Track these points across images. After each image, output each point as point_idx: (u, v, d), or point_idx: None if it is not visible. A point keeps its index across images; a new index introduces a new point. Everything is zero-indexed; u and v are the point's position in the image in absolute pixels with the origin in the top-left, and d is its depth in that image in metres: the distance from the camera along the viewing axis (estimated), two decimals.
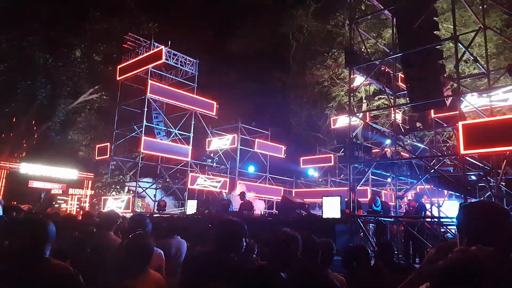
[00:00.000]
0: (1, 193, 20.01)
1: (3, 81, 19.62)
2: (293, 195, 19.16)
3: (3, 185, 20.34)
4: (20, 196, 21.49)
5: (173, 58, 17.66)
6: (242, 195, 11.52)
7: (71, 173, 22.55)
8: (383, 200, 10.99)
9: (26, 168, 20.87)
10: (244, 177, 20.02)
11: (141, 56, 17.47)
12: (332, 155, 21.10)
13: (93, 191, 23.54)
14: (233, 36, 26.48)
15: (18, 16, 19.16)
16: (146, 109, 16.31)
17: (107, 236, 4.31)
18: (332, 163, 20.97)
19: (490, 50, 13.53)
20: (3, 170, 20.30)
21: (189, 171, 17.06)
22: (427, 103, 9.58)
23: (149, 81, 16.34)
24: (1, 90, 19.89)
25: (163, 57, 16.19)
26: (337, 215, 8.47)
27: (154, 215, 12.17)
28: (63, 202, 23.69)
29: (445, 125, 13.27)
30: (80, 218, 7.13)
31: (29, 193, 21.71)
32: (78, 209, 23.13)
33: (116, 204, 16.70)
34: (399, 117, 14.31)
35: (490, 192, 8.86)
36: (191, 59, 18.58)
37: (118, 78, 18.05)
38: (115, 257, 3.14)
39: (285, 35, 24.87)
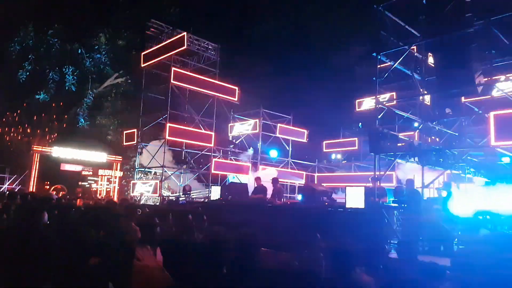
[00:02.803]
0: (36, 176, 20.99)
1: (33, 70, 20.26)
2: (316, 180, 19.18)
3: (37, 168, 21.25)
4: (53, 178, 22.60)
5: (195, 44, 17.65)
6: (258, 179, 11.78)
7: (101, 156, 23.35)
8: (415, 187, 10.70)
9: (57, 151, 21.73)
10: (266, 161, 20.11)
11: (164, 43, 17.55)
12: (356, 139, 20.76)
13: (122, 173, 24.36)
14: (254, 18, 26.09)
15: (42, 6, 19.55)
16: (170, 96, 16.51)
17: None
18: (356, 147, 20.66)
19: None
20: (36, 154, 21.19)
21: (212, 156, 17.30)
22: (458, 90, 9.21)
23: (173, 68, 16.45)
24: (32, 79, 20.59)
25: (186, 43, 16.19)
26: (361, 205, 8.43)
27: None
28: (93, 182, 24.74)
29: (476, 109, 12.74)
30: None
31: (61, 175, 22.77)
32: (108, 189, 24.13)
33: (144, 188, 17.28)
34: (427, 100, 13.85)
35: None
36: (213, 44, 18.51)
37: (142, 65, 18.28)
38: None
39: (307, 15, 24.28)
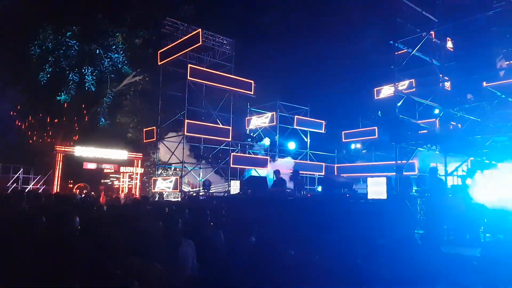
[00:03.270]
0: (60, 175, 21.62)
1: (53, 71, 20.73)
2: (335, 170, 19.10)
3: (61, 167, 21.86)
4: (76, 176, 23.24)
5: (210, 40, 17.73)
6: (277, 172, 11.82)
7: (121, 153, 23.84)
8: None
9: (80, 151, 22.29)
10: (285, 154, 20.14)
11: (179, 40, 17.70)
12: (375, 128, 20.49)
13: (143, 169, 24.84)
14: (268, 11, 25.92)
15: (58, 7, 19.94)
16: (187, 92, 16.69)
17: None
18: (376, 136, 20.40)
19: None
20: (59, 154, 21.79)
21: (230, 151, 17.45)
22: (478, 75, 8.99)
23: (189, 65, 16.61)
24: (52, 80, 21.08)
25: (201, 39, 16.28)
26: (383, 196, 8.39)
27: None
28: (115, 179, 25.32)
29: (499, 94, 12.41)
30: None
31: (84, 174, 23.38)
32: (129, 186, 24.69)
33: (165, 184, 17.59)
34: (447, 86, 13.53)
35: None
36: (228, 39, 18.54)
37: (159, 63, 18.51)
38: None
39: (324, 4, 23.97)
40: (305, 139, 20.48)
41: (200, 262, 3.76)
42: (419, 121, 12.86)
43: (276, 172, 11.88)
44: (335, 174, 18.44)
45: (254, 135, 19.04)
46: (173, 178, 17.40)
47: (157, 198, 16.86)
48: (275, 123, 19.22)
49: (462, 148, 11.30)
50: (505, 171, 12.52)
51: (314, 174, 19.62)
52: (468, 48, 8.92)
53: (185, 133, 16.29)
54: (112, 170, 25.13)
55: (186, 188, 19.37)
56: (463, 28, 9.07)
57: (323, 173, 19.26)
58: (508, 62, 9.17)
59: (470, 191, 9.12)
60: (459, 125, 13.84)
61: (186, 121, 16.37)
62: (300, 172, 12.28)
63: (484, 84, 12.22)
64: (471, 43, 8.99)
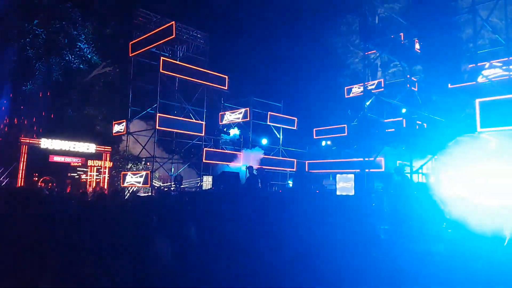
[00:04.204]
0: (24, 168, 20.75)
1: (19, 60, 19.84)
2: (306, 166, 19.38)
3: (25, 160, 20.97)
4: (41, 169, 22.36)
5: (183, 33, 17.49)
6: (251, 168, 11.86)
7: (89, 147, 23.13)
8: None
9: (46, 143, 21.44)
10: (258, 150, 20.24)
11: (152, 32, 17.34)
12: (345, 126, 20.97)
13: (111, 163, 24.23)
14: (243, 5, 25.82)
15: None
16: (160, 85, 16.41)
17: None
18: (346, 133, 20.89)
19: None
20: (24, 146, 20.90)
21: (203, 146, 17.35)
22: (444, 77, 9.39)
23: (162, 58, 16.32)
24: (19, 69, 20.18)
25: (174, 32, 16.03)
26: (351, 192, 8.64)
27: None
28: (83, 173, 24.55)
29: (462, 95, 13.00)
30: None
31: (51, 167, 22.52)
32: (97, 180, 24.03)
33: (135, 179, 17.27)
34: (414, 86, 14.03)
35: None
36: (202, 33, 18.36)
37: (130, 54, 18.07)
38: None
39: (297, 1, 24.13)
40: (278, 135, 20.68)
41: (174, 257, 3.74)
42: (387, 120, 13.30)
43: (250, 168, 11.91)
44: (306, 170, 18.73)
45: (227, 131, 18.98)
46: (144, 173, 17.11)
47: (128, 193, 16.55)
48: (248, 119, 19.29)
49: (427, 147, 11.78)
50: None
51: (286, 170, 19.85)
52: (435, 50, 9.29)
53: (157, 127, 16.04)
54: (80, 164, 24.35)
55: (157, 183, 19.09)
56: (430, 32, 9.42)
57: (294, 169, 19.55)
58: (471, 65, 9.62)
59: (434, 188, 9.53)
60: (425, 124, 14.40)
61: (158, 114, 16.11)
62: (264, 168, 12.34)
63: (449, 85, 12.79)
64: (437, 46, 9.36)
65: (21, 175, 20.42)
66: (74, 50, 20.65)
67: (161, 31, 16.67)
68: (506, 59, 10.27)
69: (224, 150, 18.76)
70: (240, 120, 19.72)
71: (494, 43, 14.22)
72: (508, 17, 10.03)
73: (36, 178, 22.69)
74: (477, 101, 7.79)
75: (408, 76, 11.05)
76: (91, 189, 20.01)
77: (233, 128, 19.32)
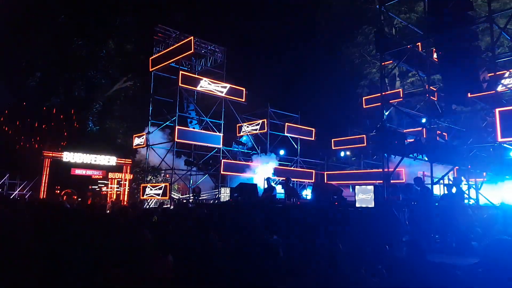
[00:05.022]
0: (47, 181, 21.36)
1: (42, 75, 20.65)
2: (325, 177, 19.28)
3: (47, 173, 21.59)
4: (63, 182, 22.93)
5: (202, 47, 17.89)
6: (268, 179, 11.93)
7: (110, 159, 23.68)
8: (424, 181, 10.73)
9: (68, 156, 22.06)
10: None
11: (171, 47, 17.80)
12: (364, 136, 20.78)
13: (131, 175, 24.66)
14: (259, 19, 26.23)
15: (49, 13, 19.88)
16: (178, 99, 16.75)
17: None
18: (365, 144, 20.69)
19: None
20: (46, 159, 21.53)
21: (221, 158, 17.51)
22: (463, 87, 9.27)
23: (181, 72, 16.70)
24: (42, 85, 20.99)
25: (193, 47, 16.41)
26: (371, 204, 8.54)
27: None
28: (103, 186, 25.07)
29: (483, 104, 12.75)
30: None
31: (72, 180, 23.10)
32: (118, 192, 24.46)
33: (154, 191, 17.52)
34: (434, 96, 13.85)
35: None
36: (219, 47, 18.73)
37: (150, 69, 18.56)
38: None
39: (313, 14, 24.34)
40: (295, 146, 20.68)
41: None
42: (406, 130, 13.15)
43: (267, 180, 11.99)
44: (325, 181, 18.62)
45: (244, 142, 19.13)
46: (162, 185, 17.36)
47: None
48: (265, 130, 19.38)
49: (448, 157, 11.58)
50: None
51: (304, 181, 19.78)
52: (452, 60, 9.20)
53: (176, 140, 16.32)
54: (101, 176, 24.90)
55: (176, 195, 19.32)
56: (447, 41, 9.35)
57: (313, 180, 19.45)
58: (490, 74, 9.48)
59: (456, 199, 9.32)
60: (445, 134, 14.17)
61: (177, 127, 16.41)
62: (292, 179, 12.38)
63: (469, 95, 12.57)
64: (455, 56, 9.27)
65: (44, 188, 21.03)
66: (97, 66, 21.35)
67: (180, 46, 17.10)
68: None
69: (241, 161, 18.86)
70: (257, 131, 19.84)
71: None
72: None
73: (58, 191, 23.32)
74: (497, 110, 7.65)
75: (426, 86, 10.95)
76: (110, 202, 20.41)
77: (254, 145, 19.44)
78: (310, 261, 3.34)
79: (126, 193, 24.35)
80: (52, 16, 19.95)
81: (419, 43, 12.09)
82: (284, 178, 11.88)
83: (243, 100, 18.53)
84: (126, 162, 24.41)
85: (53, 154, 21.90)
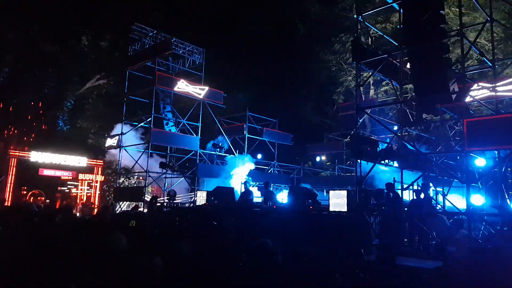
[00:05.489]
0: (13, 181, 20.48)
1: (10, 71, 19.82)
2: (301, 182, 19.51)
3: (13, 173, 20.73)
4: (30, 183, 22.05)
5: (180, 47, 17.73)
6: (245, 183, 12.02)
7: (81, 160, 22.97)
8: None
9: (36, 156, 21.23)
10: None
11: (148, 46, 17.54)
12: (339, 142, 21.30)
13: (103, 177, 24.01)
14: (239, 23, 26.29)
15: (23, 6, 19.17)
16: (154, 99, 16.51)
17: None
18: (340, 150, 21.21)
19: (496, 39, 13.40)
20: (13, 159, 20.67)
21: (197, 161, 17.38)
22: (433, 97, 9.66)
23: (157, 72, 16.48)
24: (9, 81, 20.14)
25: (171, 47, 16.25)
26: (344, 208, 8.74)
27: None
28: (73, 187, 24.26)
29: (452, 114, 13.32)
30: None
31: (40, 181, 22.23)
32: (88, 194, 23.74)
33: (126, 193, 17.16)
34: (406, 106, 14.33)
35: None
36: (198, 48, 18.63)
37: (126, 68, 18.19)
38: None
39: (291, 20, 24.66)
40: (273, 150, 20.83)
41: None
42: (381, 136, 13.54)
43: (245, 184, 12.03)
44: (300, 185, 18.84)
45: (221, 145, 19.04)
46: (136, 187, 17.04)
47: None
48: (244, 134, 19.41)
49: (417, 164, 12.01)
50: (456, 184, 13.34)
51: (280, 185, 19.93)
52: (424, 71, 9.58)
53: (151, 142, 16.06)
54: (70, 177, 24.09)
55: (149, 197, 18.96)
56: (420, 53, 9.72)
57: (289, 184, 19.65)
58: (460, 86, 9.91)
59: (423, 205, 9.69)
60: (415, 142, 14.65)
61: (152, 129, 16.15)
62: (269, 183, 12.49)
63: (439, 105, 13.10)
64: (427, 67, 9.65)
65: (9, 189, 20.14)
66: (69, 62, 20.71)
67: (158, 46, 16.88)
68: (493, 80, 10.66)
69: (218, 164, 18.79)
70: (235, 135, 19.84)
71: (483, 64, 14.69)
72: (494, 39, 10.45)
73: (25, 192, 22.38)
74: (465, 121, 8.02)
75: (399, 95, 11.33)
76: (80, 204, 19.80)
77: (231, 148, 19.37)
78: (288, 265, 3.38)
79: (97, 195, 23.67)
80: (22, 10, 19.21)
81: (393, 54, 12.49)
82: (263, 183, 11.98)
83: (221, 103, 18.49)
84: (98, 163, 23.75)
85: (20, 154, 21.03)
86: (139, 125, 18.01)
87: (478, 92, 10.88)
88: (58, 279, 2.83)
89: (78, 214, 16.15)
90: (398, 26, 10.84)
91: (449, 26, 13.63)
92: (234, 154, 18.89)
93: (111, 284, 2.97)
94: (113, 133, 19.30)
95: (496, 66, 10.34)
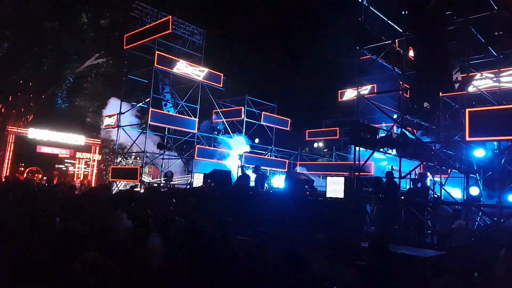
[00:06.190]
0: (10, 157, 20.45)
1: (9, 47, 19.50)
2: (298, 167, 19.50)
3: (11, 149, 20.68)
4: (28, 160, 22.02)
5: (180, 28, 17.41)
6: (243, 167, 12.00)
7: (79, 138, 22.92)
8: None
9: (34, 133, 21.17)
10: (250, 149, 20.25)
11: (148, 25, 17.21)
12: (337, 129, 21.19)
13: (100, 156, 24.00)
14: (240, 7, 25.83)
15: None
16: (153, 79, 16.30)
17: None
18: (338, 136, 21.14)
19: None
20: (11, 135, 20.59)
21: (195, 143, 17.30)
22: (436, 85, 9.53)
23: (157, 52, 16.22)
24: (8, 56, 19.84)
25: (170, 26, 15.93)
26: (341, 195, 8.72)
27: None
28: (70, 165, 24.28)
29: (453, 104, 13.21)
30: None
31: (37, 157, 22.21)
32: (85, 172, 23.77)
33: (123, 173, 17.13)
34: (407, 93, 14.18)
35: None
36: (198, 29, 18.30)
37: (125, 47, 17.90)
38: None
39: (294, 4, 24.23)
40: (271, 135, 20.75)
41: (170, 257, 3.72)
42: (379, 125, 13.42)
43: (242, 167, 12.00)
44: (297, 171, 18.85)
45: (220, 129, 18.95)
46: (133, 168, 17.01)
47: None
48: (242, 118, 19.28)
49: (416, 153, 11.95)
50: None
51: (277, 170, 19.94)
52: (428, 59, 9.43)
53: (149, 122, 15.94)
54: (68, 155, 24.08)
55: (146, 179, 18.97)
56: (424, 40, 9.56)
57: (286, 169, 19.64)
58: (463, 75, 9.78)
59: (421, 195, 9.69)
60: (415, 130, 14.55)
61: (150, 109, 16.00)
62: (261, 167, 12.43)
63: (440, 94, 12.97)
64: (430, 55, 9.50)
65: (7, 165, 20.13)
66: (68, 40, 20.38)
67: (157, 25, 16.55)
68: (497, 70, 10.49)
69: (216, 148, 18.72)
70: (234, 118, 19.71)
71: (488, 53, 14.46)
72: (499, 29, 10.24)
73: (23, 168, 22.38)
74: (467, 110, 7.92)
75: (401, 83, 11.18)
76: (79, 182, 19.82)
77: (230, 131, 19.29)
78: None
79: (94, 174, 23.69)
80: None
81: (397, 40, 12.27)
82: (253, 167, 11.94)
83: (221, 85, 18.29)
84: (95, 142, 23.69)
85: (18, 130, 20.93)
86: (138, 105, 17.85)
87: (482, 82, 10.73)
88: (62, 257, 2.78)
89: (76, 192, 16.18)
90: (403, 12, 10.59)
91: (454, 15, 13.37)
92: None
93: (115, 262, 2.93)
94: (108, 109, 19.15)
95: (501, 56, 10.16)
